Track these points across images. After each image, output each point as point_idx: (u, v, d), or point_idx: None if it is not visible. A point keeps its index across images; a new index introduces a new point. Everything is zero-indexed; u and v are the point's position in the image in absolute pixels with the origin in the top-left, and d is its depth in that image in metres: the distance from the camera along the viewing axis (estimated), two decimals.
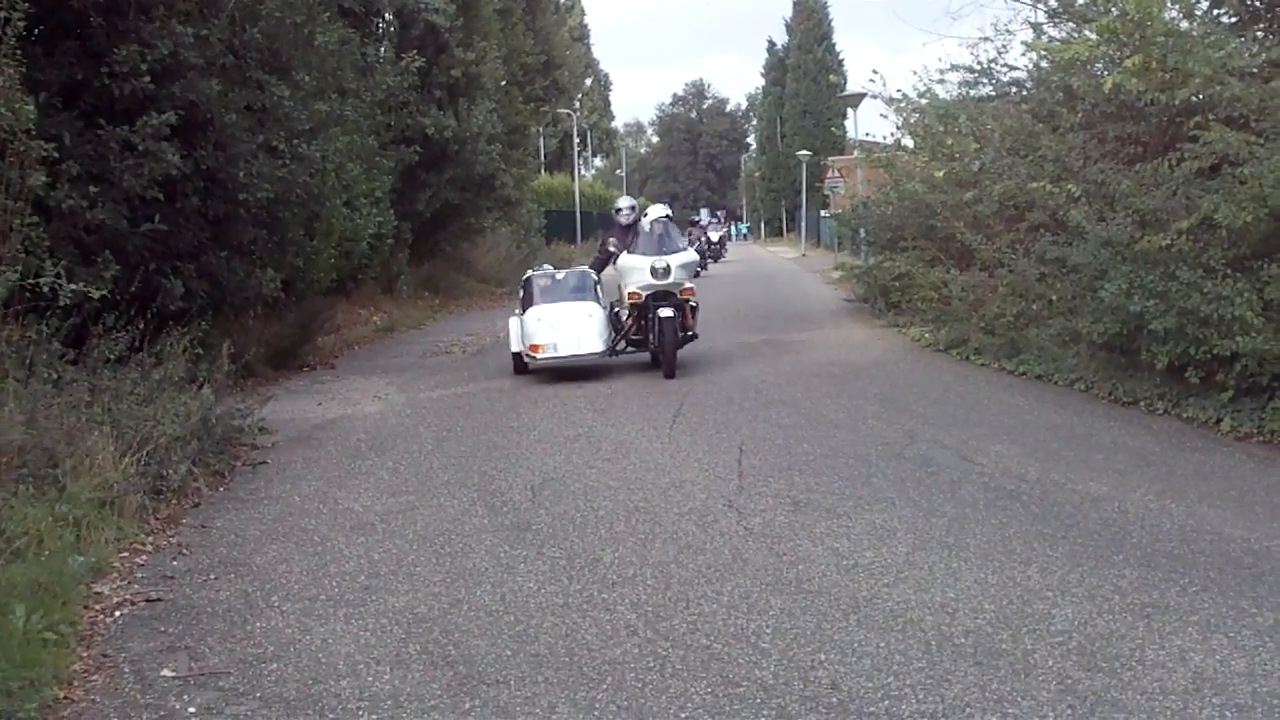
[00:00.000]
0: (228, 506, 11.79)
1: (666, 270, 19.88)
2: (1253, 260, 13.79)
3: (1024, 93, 23.49)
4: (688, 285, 20.40)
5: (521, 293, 21.83)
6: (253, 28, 18.25)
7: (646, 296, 20.02)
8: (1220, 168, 14.62)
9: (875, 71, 71.32)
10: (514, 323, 20.96)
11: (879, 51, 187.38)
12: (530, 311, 20.48)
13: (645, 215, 21.92)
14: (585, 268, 22.63)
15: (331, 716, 6.68)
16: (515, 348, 20.61)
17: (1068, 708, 6.41)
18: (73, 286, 12.01)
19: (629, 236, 21.70)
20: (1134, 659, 7.04)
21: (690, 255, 20.99)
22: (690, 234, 51.06)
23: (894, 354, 22.35)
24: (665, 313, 19.64)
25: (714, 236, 67.79)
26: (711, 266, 56.27)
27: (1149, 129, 17.42)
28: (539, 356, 19.89)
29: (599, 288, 21.57)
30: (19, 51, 12.54)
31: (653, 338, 20.16)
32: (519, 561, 9.56)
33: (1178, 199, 14.82)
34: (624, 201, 23.97)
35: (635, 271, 20.32)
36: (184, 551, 10.18)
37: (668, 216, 21.69)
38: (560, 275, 21.98)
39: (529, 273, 22.57)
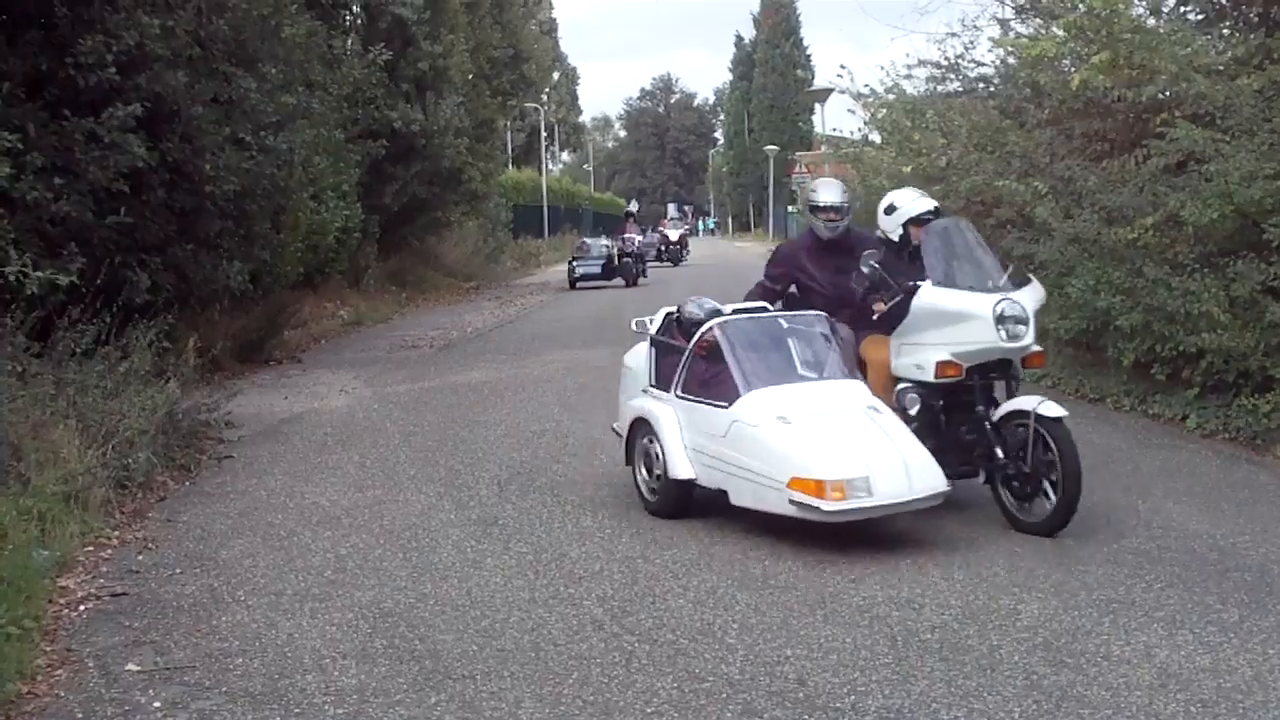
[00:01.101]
0: (194, 500, 11.75)
1: (1021, 321, 10.27)
2: (1219, 257, 13.82)
3: (991, 89, 23.49)
4: (1037, 347, 10.66)
5: (674, 353, 11.19)
6: (219, 19, 18.22)
7: (970, 370, 10.52)
8: (1186, 164, 14.64)
9: (843, 67, 70.72)
10: (665, 414, 10.90)
11: (847, 47, 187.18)
12: (755, 404, 10.08)
13: (894, 208, 11.49)
14: (816, 312, 11.12)
15: (297, 711, 6.66)
16: (682, 470, 10.52)
17: (1033, 703, 6.42)
18: (39, 274, 11.96)
19: (864, 261, 10.76)
20: (1100, 655, 7.05)
21: (1039, 289, 10.96)
22: (625, 230, 48.69)
23: None
24: (1051, 410, 9.96)
25: (673, 235, 63.68)
26: (662, 271, 52.79)
27: (1116, 125, 17.46)
28: (835, 508, 9.26)
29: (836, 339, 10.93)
30: None
31: (1002, 457, 10.14)
32: (485, 556, 9.55)
33: (1144, 195, 14.86)
34: (830, 190, 12.16)
35: (951, 323, 10.44)
36: (149, 546, 10.14)
37: (936, 210, 11.54)
38: (752, 321, 11.12)
39: (690, 312, 11.29)
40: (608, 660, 7.20)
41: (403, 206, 37.57)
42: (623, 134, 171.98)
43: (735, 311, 11.11)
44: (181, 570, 9.46)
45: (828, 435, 9.69)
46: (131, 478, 11.48)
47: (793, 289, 11.90)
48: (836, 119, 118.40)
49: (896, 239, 11.31)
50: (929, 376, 10.45)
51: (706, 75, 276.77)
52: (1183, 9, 18.24)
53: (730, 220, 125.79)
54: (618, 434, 11.71)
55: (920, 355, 10.55)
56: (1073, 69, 17.66)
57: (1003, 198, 18.47)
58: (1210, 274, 13.62)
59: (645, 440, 11.00)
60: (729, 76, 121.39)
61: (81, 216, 14.68)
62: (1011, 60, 21.70)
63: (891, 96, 26.77)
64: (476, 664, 7.22)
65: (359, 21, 35.89)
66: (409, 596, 8.59)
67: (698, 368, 10.76)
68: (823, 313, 11.06)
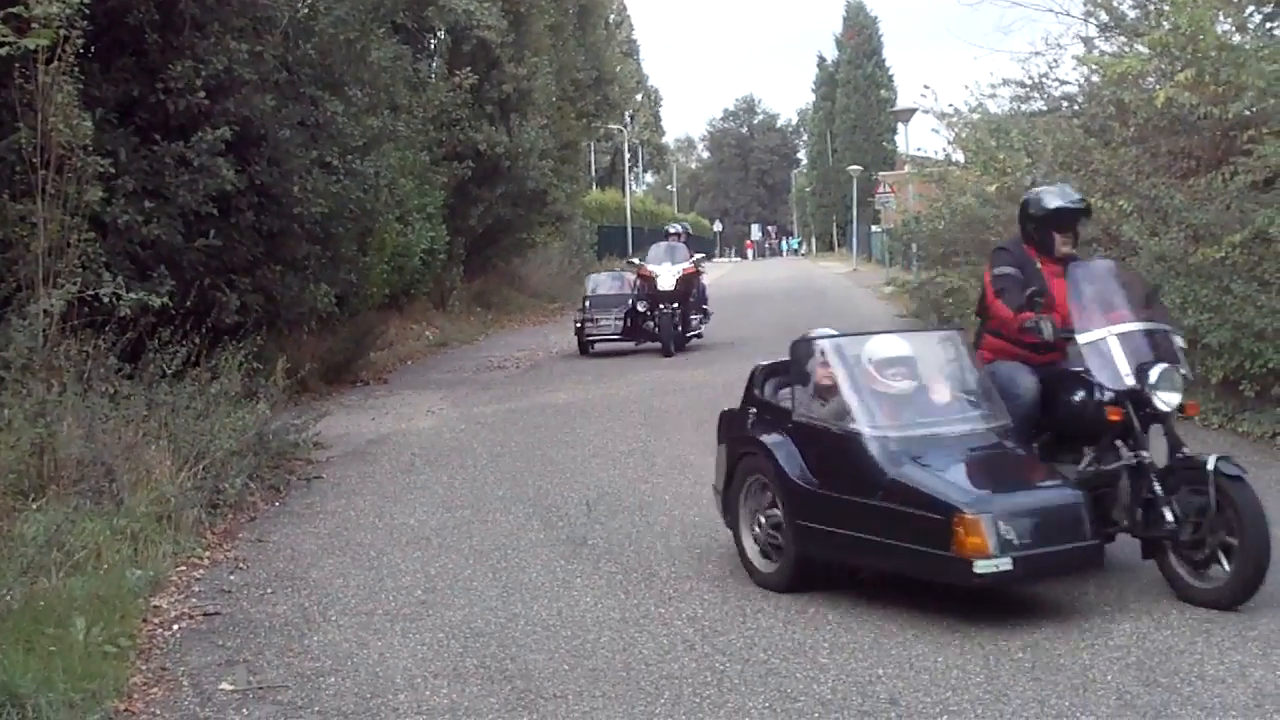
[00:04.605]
0: (283, 521, 11.86)
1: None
2: None
3: (1075, 107, 23.36)
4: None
5: None
6: (306, 44, 18.37)
7: None
8: (1275, 181, 14.54)
9: (926, 86, 70.99)
10: None
11: (930, 67, 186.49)
12: None
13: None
14: None
15: None
16: None
17: None
18: (132, 295, 12.12)
19: None
20: (1194, 674, 7.01)
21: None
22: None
23: None
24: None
25: (663, 281, 26.57)
26: (713, 306, 30.43)
27: (1202, 143, 17.33)
28: None
29: None
30: (76, 68, 12.65)
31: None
32: (575, 576, 9.58)
33: (1231, 213, 14.74)
34: None
35: None
36: (240, 566, 10.26)
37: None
38: None
39: None
40: (699, 680, 7.22)
41: (487, 228, 37.62)
42: (706, 155, 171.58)
43: None
44: (273, 590, 9.56)
45: None
46: (223, 498, 11.61)
47: None
48: (920, 139, 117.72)
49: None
50: None
51: (789, 96, 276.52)
52: (1269, 25, 18.10)
53: (814, 240, 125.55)
54: None
55: None
56: (1158, 86, 17.54)
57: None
58: None
59: None
60: (812, 97, 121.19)
61: (171, 239, 14.82)
62: (1096, 78, 21.58)
63: (975, 116, 26.65)
64: (568, 684, 7.26)
65: (444, 45, 36.03)
66: (499, 616, 8.64)
67: None
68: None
